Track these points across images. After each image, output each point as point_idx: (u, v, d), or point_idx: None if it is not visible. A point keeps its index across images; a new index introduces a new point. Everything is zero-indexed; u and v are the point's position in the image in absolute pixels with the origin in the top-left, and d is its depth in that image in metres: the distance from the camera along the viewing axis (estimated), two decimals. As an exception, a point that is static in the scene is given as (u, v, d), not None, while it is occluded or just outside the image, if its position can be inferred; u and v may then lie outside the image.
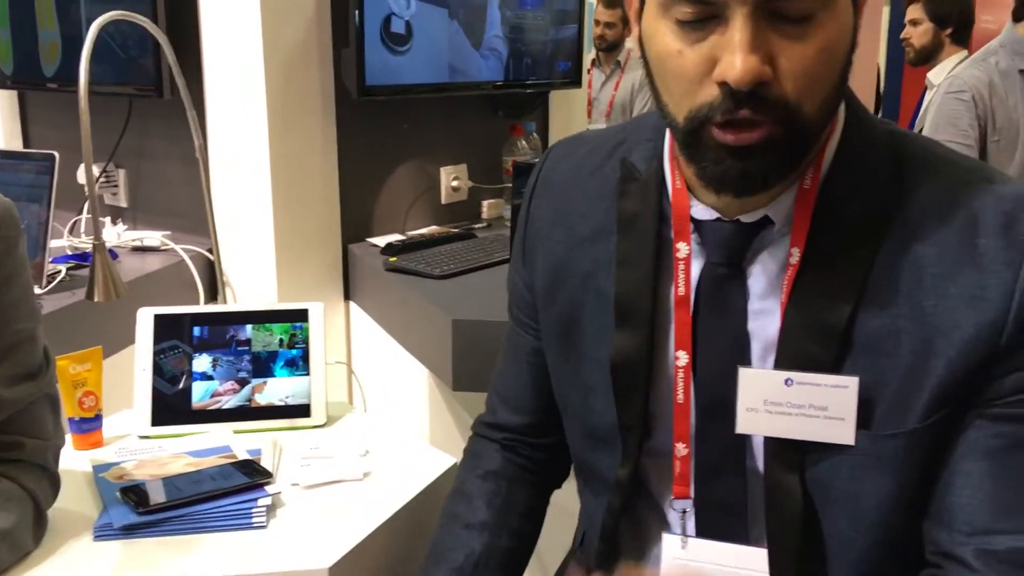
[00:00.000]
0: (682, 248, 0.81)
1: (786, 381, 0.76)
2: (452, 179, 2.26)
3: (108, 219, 2.12)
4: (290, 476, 1.20)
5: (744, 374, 0.78)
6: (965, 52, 3.31)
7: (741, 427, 0.78)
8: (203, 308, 1.84)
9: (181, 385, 1.33)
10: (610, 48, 4.27)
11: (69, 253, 1.88)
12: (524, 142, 2.32)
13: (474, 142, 2.32)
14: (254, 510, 1.10)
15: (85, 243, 1.93)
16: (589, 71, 4.14)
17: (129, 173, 2.19)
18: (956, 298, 0.72)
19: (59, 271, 1.71)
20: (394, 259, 1.86)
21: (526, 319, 0.97)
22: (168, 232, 2.01)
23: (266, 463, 1.20)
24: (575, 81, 2.44)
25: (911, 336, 0.73)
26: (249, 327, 1.36)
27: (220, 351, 1.35)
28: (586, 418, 0.89)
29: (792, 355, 0.76)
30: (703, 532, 0.84)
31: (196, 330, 1.35)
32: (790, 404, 0.76)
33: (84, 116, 1.45)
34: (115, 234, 2.00)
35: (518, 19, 2.22)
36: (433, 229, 2.19)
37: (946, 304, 0.72)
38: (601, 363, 0.85)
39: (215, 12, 1.87)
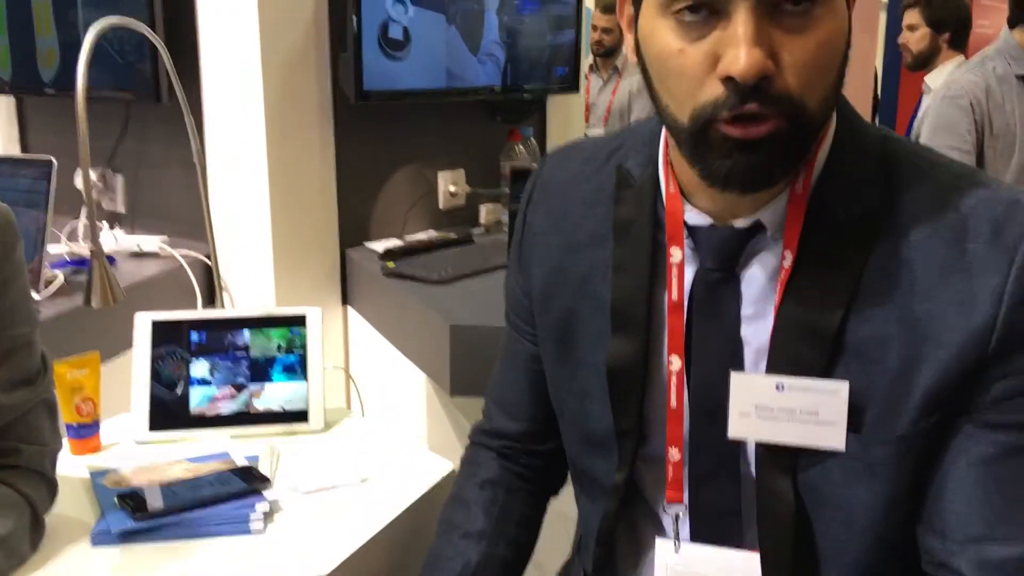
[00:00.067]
0: (676, 253, 0.81)
1: (777, 386, 0.76)
2: (450, 184, 2.26)
3: (106, 224, 2.12)
4: (288, 482, 1.20)
5: (736, 379, 0.78)
6: (962, 57, 3.32)
7: (733, 432, 0.78)
8: (201, 313, 1.84)
9: (179, 390, 1.33)
10: (608, 53, 4.27)
11: (67, 258, 1.88)
12: (522, 147, 2.32)
13: (472, 147, 2.32)
14: (252, 516, 1.09)
15: (83, 248, 1.93)
16: (587, 76, 4.15)
17: (127, 178, 2.19)
18: (945, 303, 0.72)
19: (57, 276, 1.70)
20: (392, 264, 1.86)
21: (523, 325, 0.97)
22: (166, 237, 2.01)
23: (264, 469, 1.20)
24: (573, 86, 2.45)
25: (901, 341, 0.73)
26: (247, 332, 1.36)
27: (218, 356, 1.35)
28: (582, 423, 0.89)
29: (784, 360, 0.76)
30: (698, 537, 0.84)
31: (194, 335, 1.35)
32: (781, 409, 0.76)
33: (82, 121, 1.45)
34: (113, 239, 2.00)
35: (516, 24, 2.23)
36: (431, 234, 2.19)
37: (936, 309, 0.72)
38: (597, 368, 0.85)
39: (213, 17, 1.87)
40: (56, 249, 1.92)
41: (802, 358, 0.75)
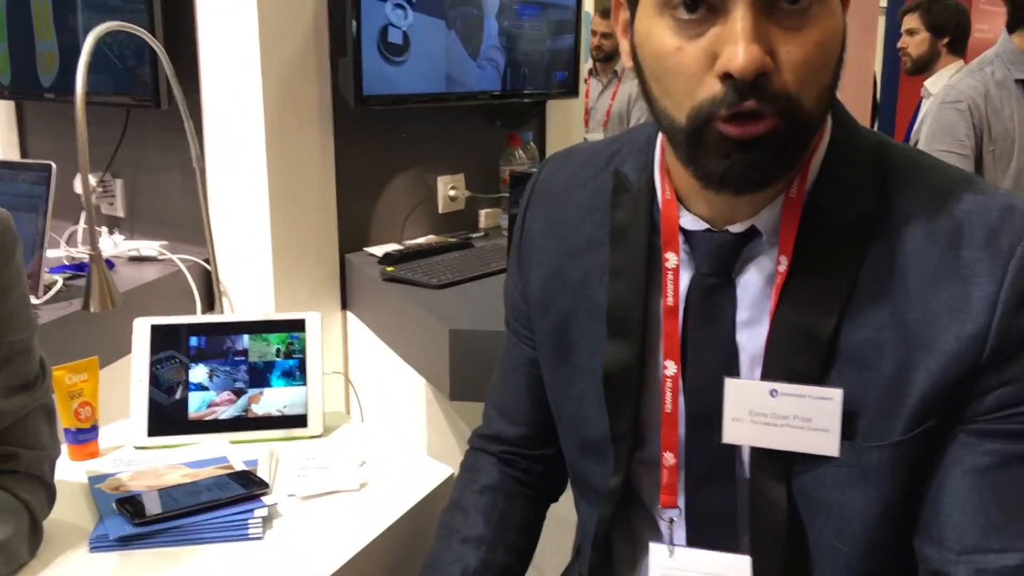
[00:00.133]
0: (671, 258, 0.81)
1: (771, 392, 0.76)
2: (449, 188, 2.26)
3: (105, 229, 2.12)
4: (287, 487, 1.20)
5: (730, 384, 0.78)
6: (962, 62, 3.33)
7: (727, 437, 0.78)
8: (200, 318, 1.84)
9: (178, 395, 1.33)
10: (607, 58, 4.28)
11: (66, 263, 1.88)
12: (521, 152, 2.33)
13: (471, 152, 2.32)
14: (250, 521, 1.09)
15: (82, 253, 1.93)
16: (586, 81, 4.15)
17: (126, 183, 2.19)
18: (938, 310, 0.71)
19: (56, 281, 1.71)
20: (391, 269, 1.86)
21: (522, 329, 0.97)
22: (165, 242, 2.01)
23: (263, 474, 1.20)
24: (572, 91, 2.45)
25: (895, 348, 0.72)
26: (246, 337, 1.36)
27: (217, 361, 1.35)
28: (579, 428, 0.89)
29: (778, 366, 0.76)
30: (695, 541, 0.84)
31: (193, 340, 1.35)
32: (775, 415, 0.76)
33: (81, 126, 1.46)
34: (112, 244, 2.00)
35: (515, 29, 2.23)
36: (430, 239, 2.19)
37: (929, 316, 0.72)
38: (594, 373, 0.85)
39: (212, 22, 1.88)
40: (55, 254, 1.92)
41: (797, 364, 0.75)
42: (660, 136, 0.82)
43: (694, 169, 0.73)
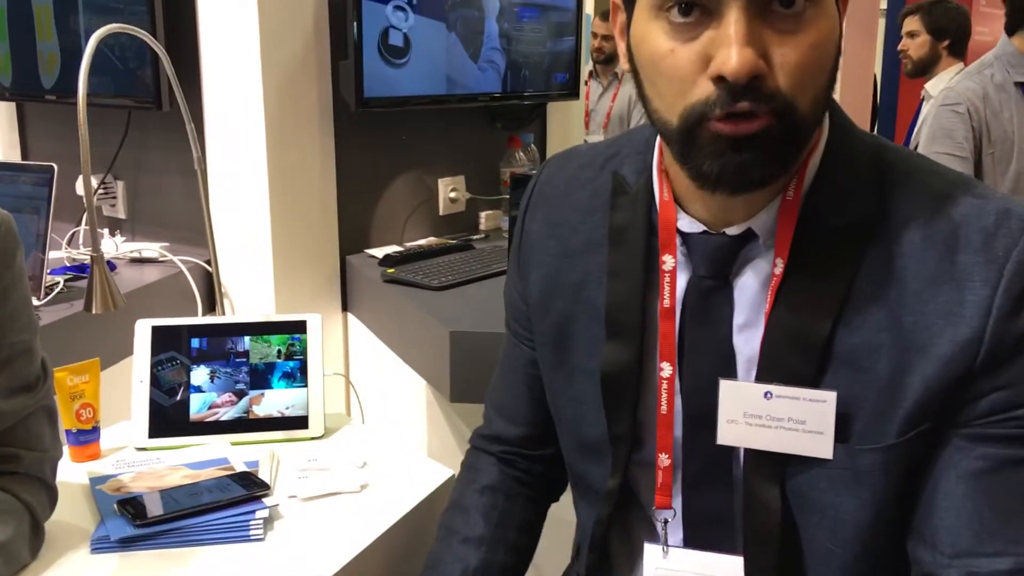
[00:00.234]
0: (668, 260, 0.81)
1: (765, 394, 0.76)
2: (450, 190, 2.27)
3: (106, 231, 2.13)
4: (288, 488, 1.20)
5: (725, 386, 0.78)
6: (962, 64, 3.33)
7: (722, 439, 0.79)
8: (201, 320, 1.84)
9: (179, 397, 1.33)
10: (607, 60, 4.29)
11: (67, 265, 1.89)
12: (522, 153, 2.33)
13: (472, 153, 2.32)
14: (251, 522, 1.09)
15: (83, 255, 1.93)
16: (587, 83, 4.16)
17: (127, 185, 2.20)
18: (934, 314, 0.72)
19: (57, 283, 1.71)
20: (392, 270, 1.86)
21: (522, 331, 0.97)
22: (166, 244, 2.02)
23: (264, 475, 1.20)
24: (572, 93, 2.45)
25: (890, 351, 0.72)
26: (247, 339, 1.36)
27: (218, 363, 1.35)
28: (577, 428, 0.90)
29: (773, 368, 0.76)
30: (691, 542, 0.85)
31: (194, 342, 1.35)
32: (770, 417, 0.76)
33: (83, 128, 1.46)
34: (113, 246, 2.00)
35: (516, 31, 2.23)
36: (431, 240, 2.19)
37: (924, 320, 0.72)
38: (592, 374, 0.86)
39: (214, 24, 1.88)
40: (57, 255, 1.92)
41: (792, 367, 0.75)
42: (659, 138, 0.83)
43: (688, 169, 0.73)
